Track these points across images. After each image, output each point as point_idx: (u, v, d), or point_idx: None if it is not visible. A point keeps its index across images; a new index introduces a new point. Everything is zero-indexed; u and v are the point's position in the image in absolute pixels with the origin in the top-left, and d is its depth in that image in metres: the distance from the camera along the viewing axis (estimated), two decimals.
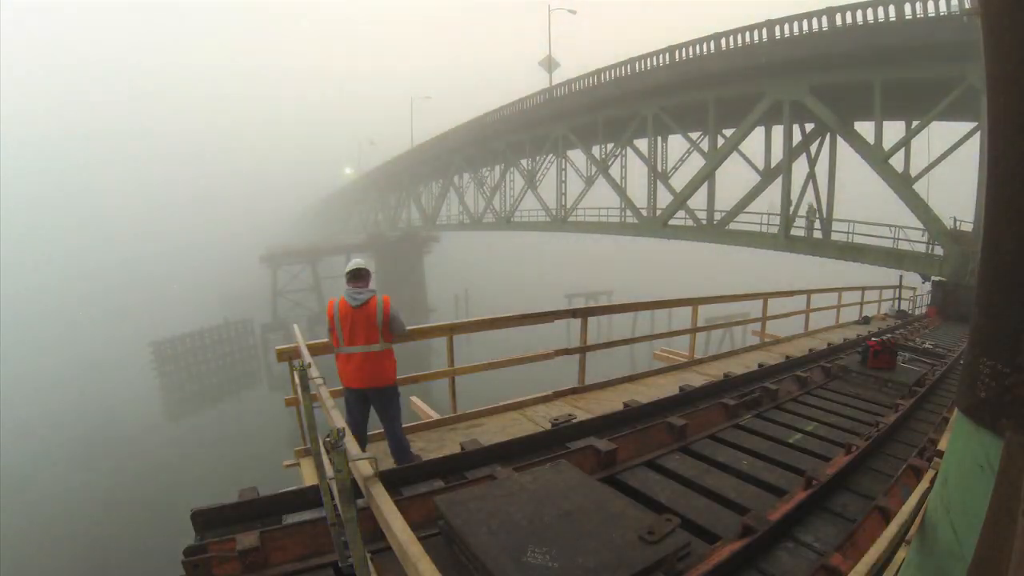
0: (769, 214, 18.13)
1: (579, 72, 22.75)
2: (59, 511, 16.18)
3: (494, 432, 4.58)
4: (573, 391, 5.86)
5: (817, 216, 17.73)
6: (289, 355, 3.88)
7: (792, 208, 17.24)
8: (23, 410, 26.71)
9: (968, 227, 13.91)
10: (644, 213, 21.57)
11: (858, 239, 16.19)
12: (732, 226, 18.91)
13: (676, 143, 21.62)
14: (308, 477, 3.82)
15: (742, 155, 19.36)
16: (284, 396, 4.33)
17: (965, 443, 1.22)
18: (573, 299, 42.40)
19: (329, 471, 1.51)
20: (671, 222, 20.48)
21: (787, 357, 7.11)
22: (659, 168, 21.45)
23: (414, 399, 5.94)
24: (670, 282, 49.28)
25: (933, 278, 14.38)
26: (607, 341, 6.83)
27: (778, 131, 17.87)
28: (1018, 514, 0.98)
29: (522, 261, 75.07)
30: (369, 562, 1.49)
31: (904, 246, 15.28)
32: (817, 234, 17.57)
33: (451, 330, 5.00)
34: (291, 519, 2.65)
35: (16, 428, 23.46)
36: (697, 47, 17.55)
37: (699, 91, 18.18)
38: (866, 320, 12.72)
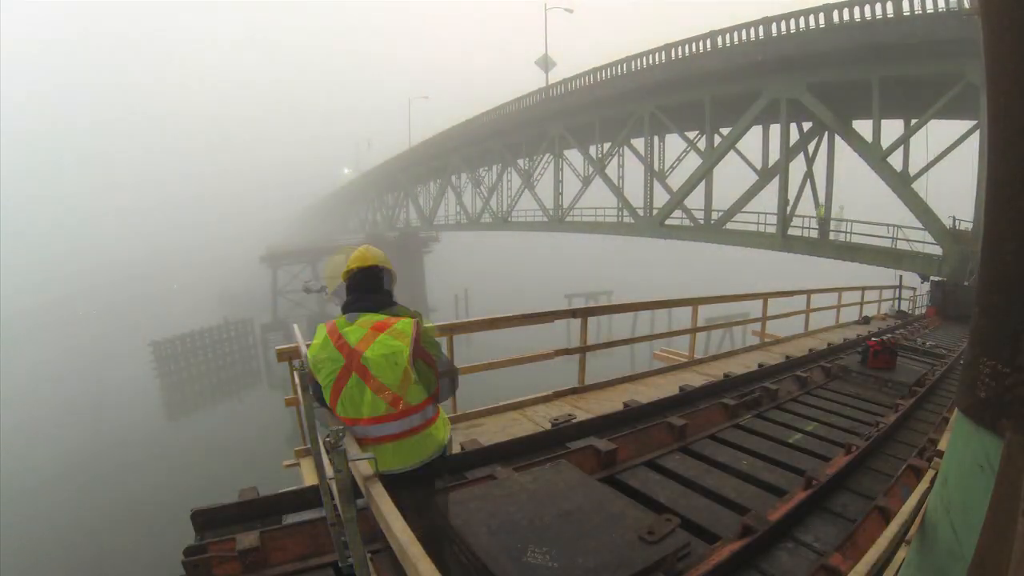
0: (766, 213, 18.08)
1: (576, 71, 22.79)
2: (58, 511, 16.17)
3: (494, 432, 4.57)
4: (573, 391, 5.86)
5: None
6: (289, 355, 3.88)
7: (789, 208, 17.20)
8: (22, 410, 26.72)
9: (967, 226, 13.83)
10: (641, 213, 21.52)
11: (856, 239, 16.14)
12: (729, 226, 18.89)
13: (673, 142, 21.65)
14: (308, 477, 3.81)
15: (739, 154, 19.36)
16: (284, 396, 4.33)
17: (965, 443, 1.22)
18: (573, 299, 42.39)
19: (329, 471, 1.51)
20: (668, 222, 20.47)
21: (787, 357, 7.11)
22: (656, 167, 21.42)
23: None
24: (669, 282, 49.32)
25: (932, 278, 14.33)
26: (607, 341, 6.82)
27: (775, 130, 17.82)
28: (1018, 514, 0.98)
29: (522, 261, 75.08)
30: (369, 562, 1.49)
31: (903, 246, 15.24)
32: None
33: (451, 330, 5.00)
34: (291, 519, 2.65)
35: (15, 428, 23.44)
36: (693, 45, 17.54)
37: (695, 89, 18.17)
38: (866, 320, 12.71)
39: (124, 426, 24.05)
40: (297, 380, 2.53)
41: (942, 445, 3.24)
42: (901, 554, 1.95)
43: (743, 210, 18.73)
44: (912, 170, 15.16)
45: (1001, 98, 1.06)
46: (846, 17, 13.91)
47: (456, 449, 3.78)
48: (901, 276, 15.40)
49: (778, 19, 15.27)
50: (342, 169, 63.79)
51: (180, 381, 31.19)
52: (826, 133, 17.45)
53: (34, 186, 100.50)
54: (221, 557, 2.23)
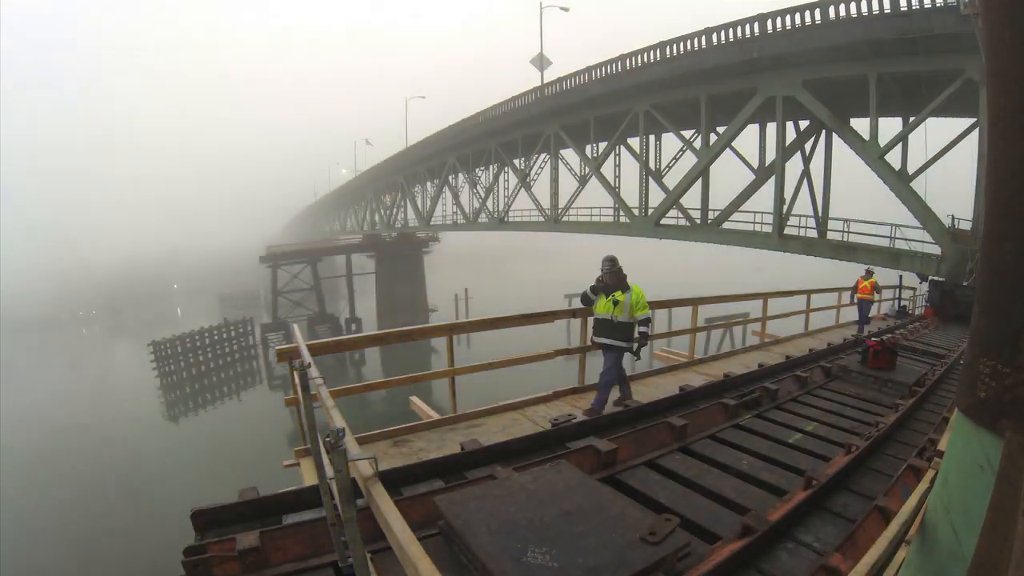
0: (763, 212, 17.99)
1: (572, 70, 22.68)
2: (58, 510, 16.16)
3: (494, 432, 4.58)
4: (573, 391, 5.87)
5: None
6: (289, 355, 3.88)
7: (786, 207, 17.14)
8: (22, 410, 26.71)
9: (966, 226, 13.74)
10: (636, 212, 21.37)
11: (854, 238, 16.05)
12: (726, 225, 18.80)
13: (669, 142, 21.55)
14: (308, 477, 3.82)
15: (736, 152, 19.28)
16: (284, 396, 4.33)
17: (965, 443, 1.22)
18: (573, 299, 42.41)
19: (329, 471, 1.50)
20: (664, 221, 20.33)
21: (787, 357, 7.10)
22: (652, 166, 21.29)
23: (414, 399, 5.95)
24: (671, 282, 49.27)
25: (931, 277, 14.24)
26: None
27: (772, 128, 17.73)
28: (1018, 514, 0.98)
29: (523, 261, 75.05)
30: (369, 562, 1.49)
31: (901, 245, 15.16)
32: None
33: (451, 330, 5.00)
34: (291, 519, 2.65)
35: (14, 428, 23.43)
36: (689, 42, 17.38)
37: (691, 87, 18.07)
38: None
39: (124, 426, 24.05)
40: (297, 380, 2.54)
41: (942, 445, 3.24)
42: (901, 554, 1.95)
43: (740, 209, 18.68)
44: (911, 168, 15.09)
45: (1001, 98, 1.06)
46: (842, 12, 13.72)
47: (456, 449, 3.79)
48: (901, 276, 15.37)
49: (773, 15, 15.11)
50: (340, 169, 63.82)
51: (180, 381, 31.20)
52: (823, 131, 17.34)
53: (34, 186, 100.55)
54: (221, 557, 2.23)
